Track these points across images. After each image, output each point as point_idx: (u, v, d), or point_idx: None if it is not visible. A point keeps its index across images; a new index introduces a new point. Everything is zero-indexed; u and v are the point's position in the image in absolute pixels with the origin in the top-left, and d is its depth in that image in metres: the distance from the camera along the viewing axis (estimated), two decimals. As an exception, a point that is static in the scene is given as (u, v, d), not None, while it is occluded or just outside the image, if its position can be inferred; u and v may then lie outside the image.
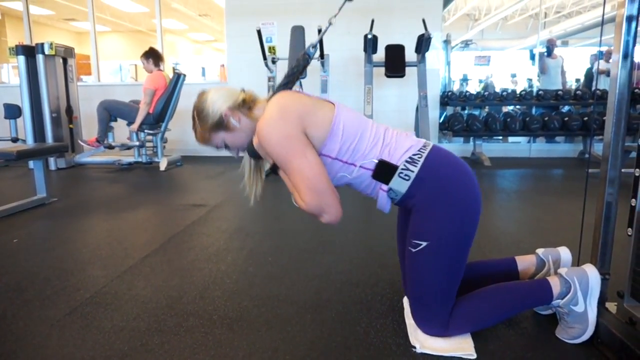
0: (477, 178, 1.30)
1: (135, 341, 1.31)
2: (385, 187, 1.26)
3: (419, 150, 1.26)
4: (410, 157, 1.24)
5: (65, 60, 4.83)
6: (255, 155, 1.36)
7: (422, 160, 1.24)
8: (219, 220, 2.64)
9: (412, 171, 1.23)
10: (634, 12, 1.15)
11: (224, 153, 1.44)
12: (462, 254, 1.27)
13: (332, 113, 1.26)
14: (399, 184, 1.24)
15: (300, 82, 4.72)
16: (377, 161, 1.25)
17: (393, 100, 5.49)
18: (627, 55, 1.18)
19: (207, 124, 1.32)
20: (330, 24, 1.42)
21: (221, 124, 1.31)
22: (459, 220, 1.23)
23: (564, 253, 1.44)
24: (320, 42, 4.38)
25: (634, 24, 1.16)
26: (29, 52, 4.54)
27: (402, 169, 1.23)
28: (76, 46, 5.22)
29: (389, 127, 1.34)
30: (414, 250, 1.25)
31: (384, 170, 1.25)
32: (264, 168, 1.45)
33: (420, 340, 1.27)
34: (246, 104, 1.33)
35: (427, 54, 4.66)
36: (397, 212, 1.47)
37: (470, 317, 1.28)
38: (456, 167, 1.28)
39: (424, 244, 1.22)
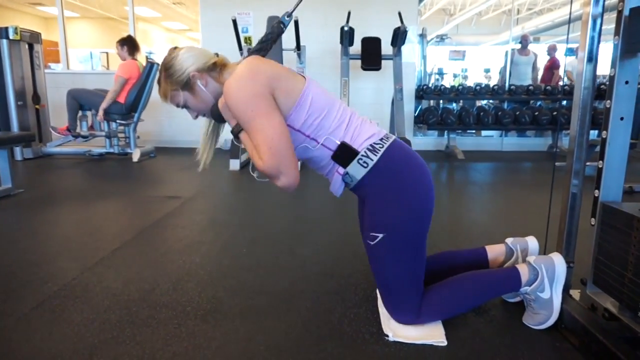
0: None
1: (105, 334, 1.28)
2: (342, 170, 1.27)
3: (380, 140, 1.27)
4: (372, 145, 1.25)
5: (31, 46, 4.65)
6: (218, 117, 1.33)
7: (383, 150, 1.25)
8: (193, 212, 2.61)
9: (372, 159, 1.24)
10: (599, 10, 1.19)
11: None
12: (418, 243, 1.28)
13: (302, 85, 1.25)
14: (356, 170, 1.25)
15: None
16: (339, 142, 1.25)
17: (369, 93, 5.52)
18: (592, 52, 1.22)
19: (172, 82, 1.29)
20: None
21: (186, 85, 1.29)
22: (412, 213, 1.24)
23: (532, 242, 1.49)
24: (297, 33, 4.35)
25: (598, 22, 1.19)
26: (-8, 36, 4.35)
27: (363, 155, 1.24)
28: (43, 32, 5.02)
29: (356, 113, 1.34)
30: (372, 243, 1.26)
31: (345, 154, 1.25)
32: (220, 133, 1.43)
33: (393, 328, 1.29)
34: (216, 67, 1.31)
35: (403, 48, 4.69)
36: (357, 203, 1.48)
37: (442, 305, 1.31)
38: (413, 162, 1.29)
39: (380, 235, 1.24)
